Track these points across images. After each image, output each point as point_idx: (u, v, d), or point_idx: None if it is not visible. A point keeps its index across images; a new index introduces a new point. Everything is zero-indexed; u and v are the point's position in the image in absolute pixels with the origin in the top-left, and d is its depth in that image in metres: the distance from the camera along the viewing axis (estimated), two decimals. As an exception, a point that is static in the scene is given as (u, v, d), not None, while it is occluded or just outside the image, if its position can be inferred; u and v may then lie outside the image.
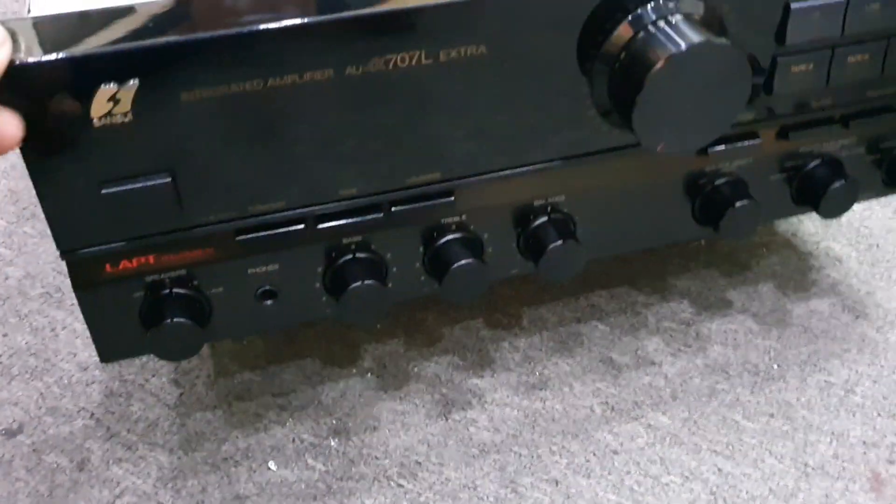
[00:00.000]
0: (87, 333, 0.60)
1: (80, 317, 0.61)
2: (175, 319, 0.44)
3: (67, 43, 0.36)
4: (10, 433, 0.54)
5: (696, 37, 0.41)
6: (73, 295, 0.63)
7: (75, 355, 0.59)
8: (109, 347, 0.46)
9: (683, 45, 0.41)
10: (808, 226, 0.67)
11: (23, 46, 0.36)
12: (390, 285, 0.48)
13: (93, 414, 0.55)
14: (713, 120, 0.45)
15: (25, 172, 0.75)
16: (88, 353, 0.59)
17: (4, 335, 0.61)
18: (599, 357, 0.58)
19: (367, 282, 0.46)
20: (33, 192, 0.72)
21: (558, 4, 0.42)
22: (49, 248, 0.67)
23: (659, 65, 0.41)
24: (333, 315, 0.48)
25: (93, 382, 0.57)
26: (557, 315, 0.61)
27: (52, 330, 0.61)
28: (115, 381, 0.57)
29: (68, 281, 0.64)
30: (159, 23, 0.39)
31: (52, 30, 0.38)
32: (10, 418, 0.55)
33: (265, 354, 0.58)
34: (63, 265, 0.65)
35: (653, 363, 0.57)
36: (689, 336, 0.59)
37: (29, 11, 0.39)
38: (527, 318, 0.60)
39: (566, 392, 0.55)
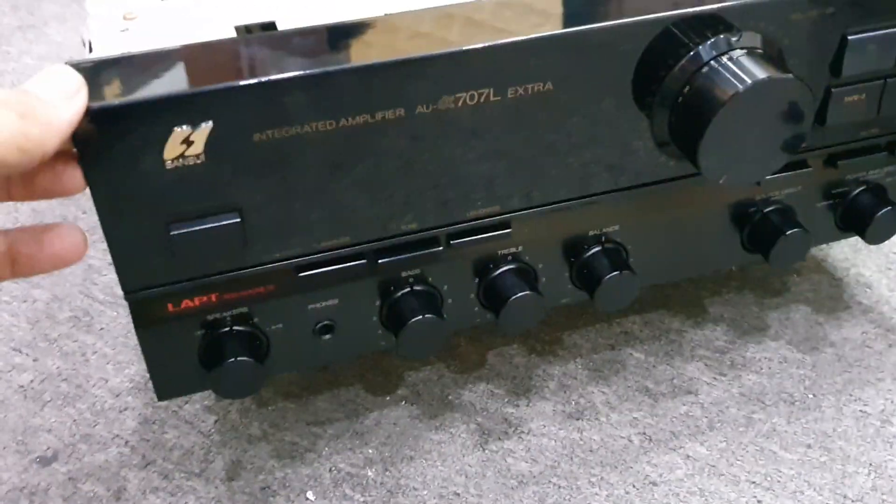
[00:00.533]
0: (119, 358, 0.60)
1: (110, 342, 0.62)
2: (238, 358, 0.44)
3: (140, 85, 0.36)
4: (45, 461, 0.54)
5: (760, 73, 0.41)
6: (102, 319, 0.63)
7: (107, 381, 0.59)
8: (167, 385, 0.46)
9: (749, 82, 0.41)
10: (838, 251, 0.67)
11: (97, 90, 0.36)
12: (446, 317, 0.48)
13: (127, 441, 0.55)
14: (777, 151, 0.45)
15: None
16: (120, 378, 0.59)
17: (35, 360, 0.60)
18: (635, 386, 0.57)
19: (426, 316, 0.46)
20: (56, 211, 0.73)
21: (620, 41, 0.42)
22: (75, 271, 0.67)
23: (725, 103, 0.41)
24: (390, 349, 0.49)
25: (126, 409, 0.57)
26: (591, 342, 0.60)
27: (83, 355, 0.61)
28: (148, 407, 0.57)
29: (97, 305, 0.64)
30: (228, 62, 0.39)
31: (122, 72, 0.38)
32: (44, 445, 0.55)
33: (299, 382, 0.58)
34: (91, 287, 0.66)
35: (689, 392, 0.57)
36: (723, 364, 0.59)
37: (91, 51, 0.39)
38: (560, 344, 0.60)
39: (603, 422, 0.55)
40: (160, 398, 0.46)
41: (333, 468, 0.53)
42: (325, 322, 0.47)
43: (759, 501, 0.51)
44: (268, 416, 0.56)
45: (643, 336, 0.61)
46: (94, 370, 0.59)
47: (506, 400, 0.57)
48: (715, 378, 0.58)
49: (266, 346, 0.46)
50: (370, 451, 0.54)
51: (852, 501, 0.51)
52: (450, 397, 0.57)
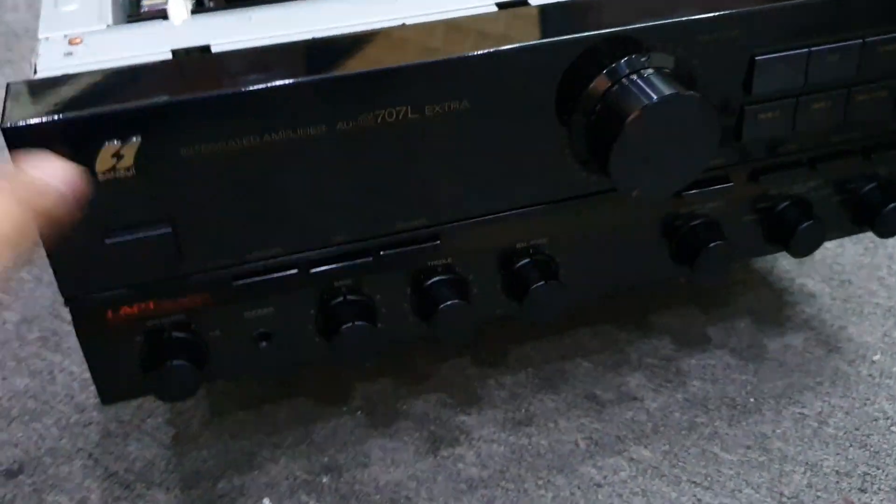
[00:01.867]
0: (85, 376, 0.62)
1: (78, 360, 0.63)
2: (174, 362, 0.46)
3: (73, 103, 0.39)
4: (11, 474, 0.55)
5: (666, 89, 0.43)
6: (70, 339, 0.65)
7: (73, 398, 0.60)
8: (110, 389, 0.48)
9: (655, 97, 0.43)
10: (784, 263, 0.70)
11: (33, 108, 0.38)
12: (380, 326, 0.50)
13: (91, 454, 0.57)
14: (685, 167, 0.47)
15: (22, 219, 0.77)
16: (85, 395, 0.61)
17: (3, 378, 0.62)
18: (584, 393, 0.60)
19: (357, 323, 0.48)
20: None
21: (537, 61, 0.44)
22: (45, 293, 0.69)
23: (632, 116, 0.43)
24: (326, 356, 0.50)
25: (90, 423, 0.59)
26: (542, 353, 0.63)
27: (50, 373, 0.62)
28: (112, 422, 0.59)
29: (65, 325, 0.66)
30: (160, 82, 0.41)
31: (58, 90, 0.40)
32: (10, 459, 0.56)
33: (259, 395, 0.60)
34: (60, 309, 0.68)
35: (635, 398, 0.59)
36: (669, 372, 0.61)
37: (35, 73, 0.42)
38: (512, 356, 0.62)
39: (551, 428, 0.57)
40: (104, 402, 0.48)
41: (290, 476, 0.55)
42: (262, 330, 0.48)
43: (699, 500, 0.53)
44: (227, 428, 0.58)
45: (592, 346, 0.63)
46: (60, 388, 0.61)
47: (458, 409, 0.59)
48: (660, 385, 0.60)
49: (205, 351, 0.48)
50: (325, 459, 0.56)
51: (788, 498, 0.53)
52: (403, 407, 0.59)
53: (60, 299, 0.68)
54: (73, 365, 0.63)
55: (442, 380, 0.61)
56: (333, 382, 0.61)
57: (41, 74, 0.41)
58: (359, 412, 0.59)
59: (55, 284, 0.44)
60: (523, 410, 0.59)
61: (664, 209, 0.53)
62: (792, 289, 0.68)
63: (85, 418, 0.59)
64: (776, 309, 0.66)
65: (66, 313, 0.67)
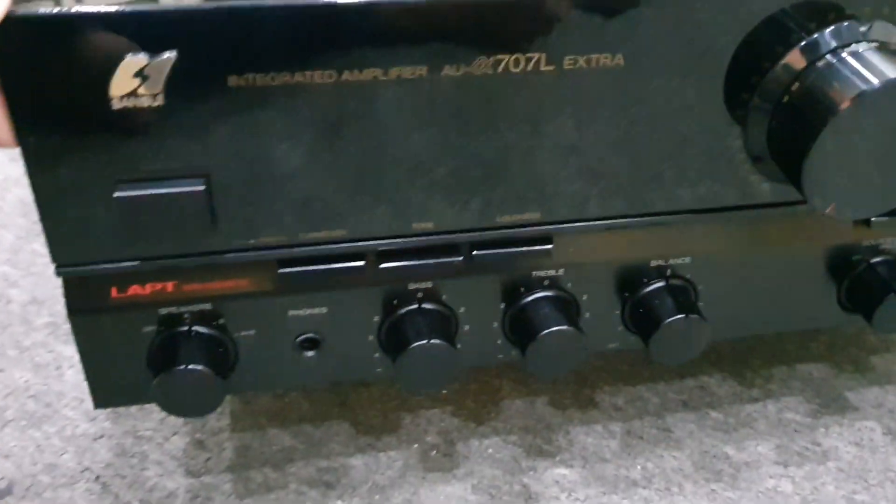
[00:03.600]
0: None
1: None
2: (190, 366, 0.37)
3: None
4: (-2, 494, 0.44)
5: (893, 72, 0.33)
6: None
7: (83, 401, 0.50)
8: (106, 391, 0.39)
9: (877, 83, 0.33)
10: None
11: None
12: (459, 347, 0.40)
13: (99, 477, 0.46)
14: None
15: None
16: (98, 399, 0.50)
17: (1, 370, 0.51)
18: (713, 451, 0.48)
19: (433, 341, 0.38)
20: None
21: (716, 16, 0.34)
22: (61, 271, 0.58)
23: (844, 105, 0.33)
24: (386, 376, 0.41)
25: (101, 437, 0.48)
26: (660, 396, 0.51)
27: (58, 368, 0.52)
28: (128, 437, 0.48)
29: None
30: None
31: None
32: (-2, 474, 0.45)
33: (311, 418, 0.49)
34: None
35: (776, 462, 0.48)
36: (817, 432, 0.49)
37: None
38: (623, 397, 0.51)
39: (674, 492, 0.46)
40: (96, 406, 0.40)
41: (346, 527, 0.44)
42: (310, 335, 0.39)
43: None
44: (271, 457, 0.47)
45: (721, 393, 0.52)
46: (68, 387, 0.50)
47: (556, 458, 0.47)
48: (806, 448, 0.49)
49: (232, 355, 0.39)
50: (392, 509, 0.44)
51: None
52: (489, 450, 0.48)
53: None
54: (85, 361, 0.52)
55: (535, 419, 0.49)
56: (402, 409, 0.50)
57: None
58: (433, 451, 0.47)
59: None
60: (639, 467, 0.47)
61: (843, 237, 0.44)
62: (955, 342, 0.56)
63: (95, 429, 0.48)
64: (940, 365, 0.54)
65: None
